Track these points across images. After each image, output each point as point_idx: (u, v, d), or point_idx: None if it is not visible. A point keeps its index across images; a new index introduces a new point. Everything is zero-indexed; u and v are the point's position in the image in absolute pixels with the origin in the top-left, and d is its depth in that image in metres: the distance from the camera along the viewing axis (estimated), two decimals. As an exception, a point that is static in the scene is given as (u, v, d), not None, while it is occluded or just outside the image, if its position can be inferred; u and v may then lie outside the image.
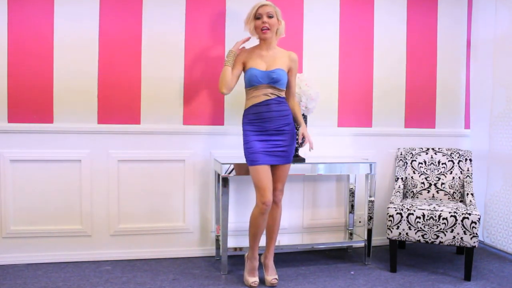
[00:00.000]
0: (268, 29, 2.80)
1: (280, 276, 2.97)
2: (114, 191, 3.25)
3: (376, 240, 3.64)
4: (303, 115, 3.19)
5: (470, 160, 3.54)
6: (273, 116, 2.79)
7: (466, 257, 3.00)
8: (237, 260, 3.29)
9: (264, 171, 2.77)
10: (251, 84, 2.82)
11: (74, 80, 3.16)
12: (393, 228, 3.10)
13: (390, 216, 3.11)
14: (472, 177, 3.50)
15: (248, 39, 2.97)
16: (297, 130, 3.03)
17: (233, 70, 2.88)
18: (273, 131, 2.80)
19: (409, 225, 3.07)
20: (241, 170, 3.01)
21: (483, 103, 3.77)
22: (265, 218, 2.81)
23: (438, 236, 3.02)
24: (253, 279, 2.84)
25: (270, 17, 2.80)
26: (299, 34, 3.53)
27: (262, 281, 2.89)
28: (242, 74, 2.93)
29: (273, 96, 2.81)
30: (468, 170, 3.52)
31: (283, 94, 2.88)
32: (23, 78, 3.09)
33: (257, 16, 2.81)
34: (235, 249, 3.14)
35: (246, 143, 2.83)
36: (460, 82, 3.93)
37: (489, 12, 3.71)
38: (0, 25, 3.03)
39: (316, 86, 3.22)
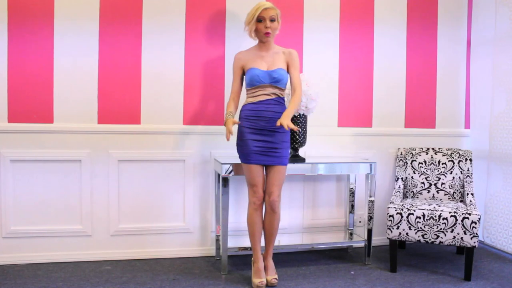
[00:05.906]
0: (270, 33, 2.82)
1: (280, 276, 2.97)
2: (114, 191, 3.25)
3: (376, 240, 3.64)
4: (303, 115, 3.19)
5: (470, 160, 3.54)
6: (269, 116, 2.80)
7: (466, 257, 3.00)
8: (237, 260, 3.29)
9: (256, 169, 2.81)
10: (252, 84, 2.83)
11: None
12: (393, 228, 3.10)
13: (390, 216, 3.11)
14: (472, 177, 3.49)
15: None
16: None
17: (234, 77, 2.93)
18: (267, 131, 2.81)
19: (409, 225, 3.07)
20: (241, 170, 3.00)
21: (483, 103, 3.77)
22: (259, 215, 2.85)
23: (438, 236, 3.02)
24: (259, 280, 2.83)
25: (272, 21, 2.81)
26: (299, 34, 3.52)
27: (262, 281, 2.90)
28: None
29: (273, 96, 2.83)
30: (468, 170, 3.51)
31: (283, 94, 2.90)
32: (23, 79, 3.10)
33: (259, 19, 2.81)
34: (236, 249, 3.14)
35: (240, 140, 2.85)
36: (460, 82, 3.93)
37: (489, 12, 3.71)
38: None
39: (316, 86, 3.22)
